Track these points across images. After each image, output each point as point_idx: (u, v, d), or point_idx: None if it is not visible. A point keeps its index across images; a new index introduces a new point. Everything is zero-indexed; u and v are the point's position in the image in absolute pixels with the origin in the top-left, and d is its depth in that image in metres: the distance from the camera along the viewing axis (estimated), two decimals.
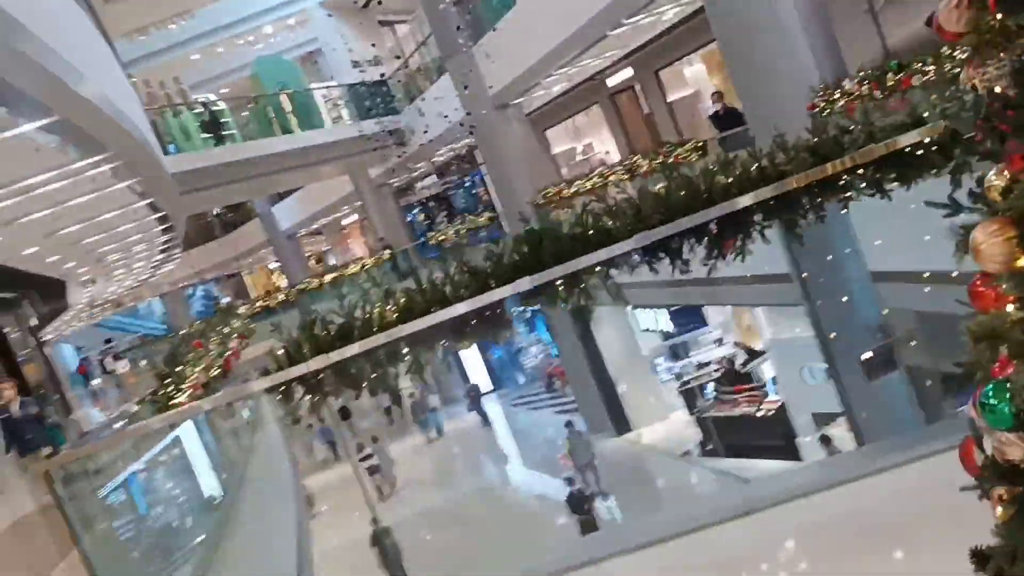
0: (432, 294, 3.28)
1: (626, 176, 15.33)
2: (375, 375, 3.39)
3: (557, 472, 22.59)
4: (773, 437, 15.48)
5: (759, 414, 15.85)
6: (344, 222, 41.15)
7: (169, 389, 5.68)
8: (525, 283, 3.38)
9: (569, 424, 17.00)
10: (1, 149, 7.55)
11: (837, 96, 8.88)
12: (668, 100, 20.95)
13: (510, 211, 20.73)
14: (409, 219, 34.23)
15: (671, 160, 12.83)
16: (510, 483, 24.39)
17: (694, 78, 20.97)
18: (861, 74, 8.54)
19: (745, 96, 11.05)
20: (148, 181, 11.31)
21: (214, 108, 20.42)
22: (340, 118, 24.24)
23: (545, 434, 25.83)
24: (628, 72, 21.31)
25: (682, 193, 3.36)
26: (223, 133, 20.05)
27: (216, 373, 7.60)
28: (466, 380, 29.67)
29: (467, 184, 32.99)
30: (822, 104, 9.27)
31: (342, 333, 3.33)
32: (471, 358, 29.94)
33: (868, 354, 9.64)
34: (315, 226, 39.67)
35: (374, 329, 3.30)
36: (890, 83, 8.05)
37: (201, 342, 10.43)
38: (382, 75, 24.91)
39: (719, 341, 20.62)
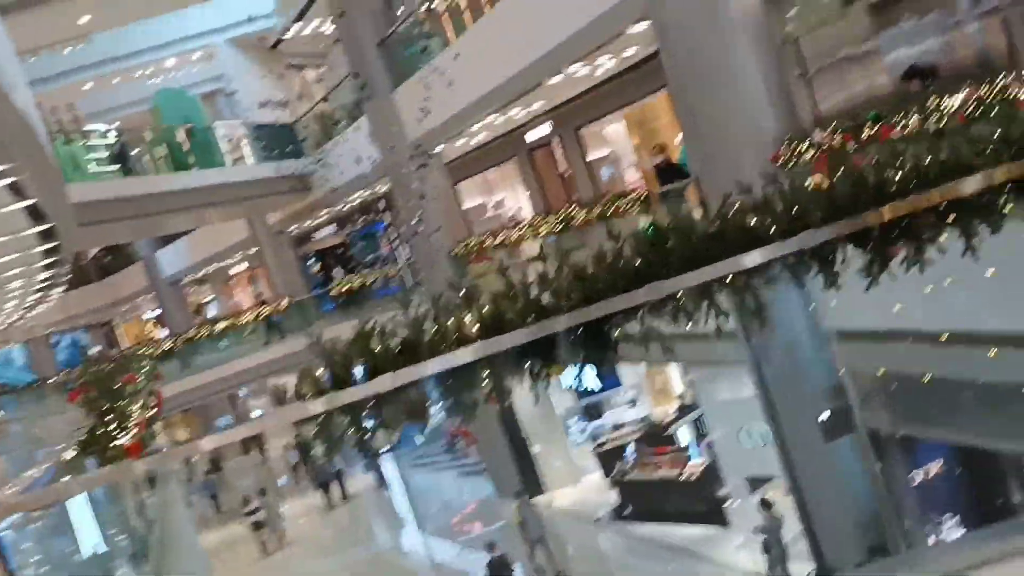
0: (526, 304, 2.59)
1: (549, 230, 14.99)
2: (449, 403, 2.65)
3: (455, 537, 21.61)
4: (697, 502, 15.07)
5: (682, 478, 15.44)
6: (232, 271, 39.32)
7: (110, 429, 4.72)
8: (641, 295, 2.73)
9: (519, 494, 16.11)
10: None
11: (805, 148, 8.66)
12: (587, 158, 20.81)
13: (424, 263, 20.03)
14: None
15: (610, 213, 12.48)
16: (404, 549, 23.27)
17: (614, 137, 20.95)
18: (834, 124, 8.35)
19: (695, 147, 10.81)
20: (49, 203, 10.11)
21: (122, 139, 19.05)
22: (242, 159, 23.10)
23: (444, 497, 24.82)
24: (547, 128, 21.12)
25: (848, 187, 2.80)
26: (129, 166, 18.67)
27: (151, 413, 6.56)
28: None
29: (368, 235, 32.08)
30: (787, 156, 9.05)
31: (407, 348, 2.59)
32: None
33: (826, 414, 9.29)
34: (202, 273, 37.74)
35: (450, 344, 2.57)
36: (867, 134, 7.87)
37: (133, 375, 9.20)
38: (292, 121, 24.02)
39: (633, 402, 20.28)
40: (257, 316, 24.62)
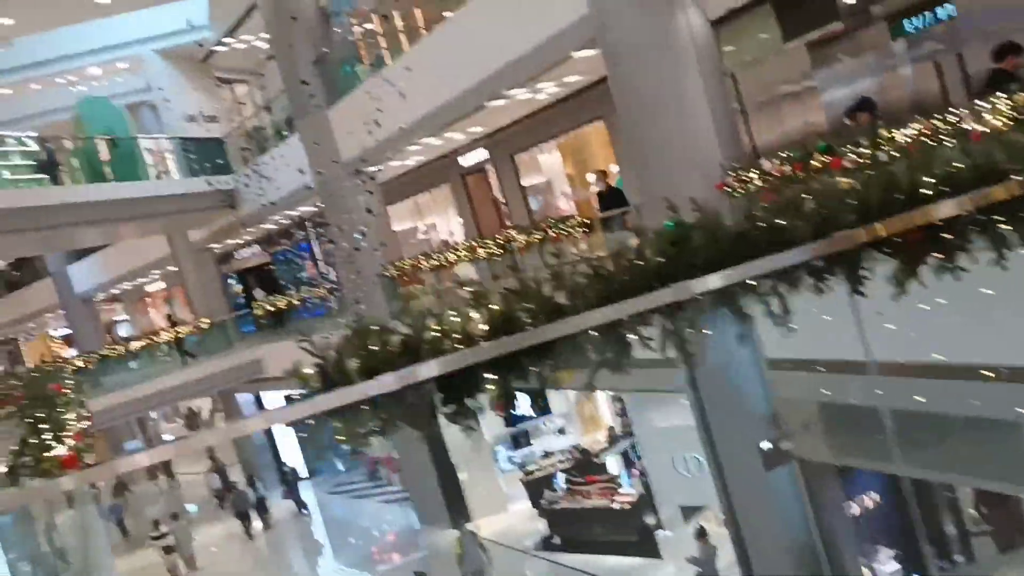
0: (540, 303, 2.42)
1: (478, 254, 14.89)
2: (453, 408, 2.47)
3: (373, 568, 21.09)
4: (628, 531, 15.00)
5: (613, 507, 15.36)
6: (148, 288, 38.08)
7: (44, 438, 4.31)
8: (667, 295, 2.59)
9: (460, 525, 15.71)
10: None
11: (753, 177, 8.75)
12: (522, 184, 20.81)
13: (353, 283, 19.66)
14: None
15: (552, 235, 12.42)
16: None
17: (549, 165, 21.02)
18: (784, 154, 8.44)
19: (640, 174, 10.84)
20: None
21: (49, 147, 18.26)
22: (167, 172, 22.41)
23: (363, 525, 24.26)
24: (483, 154, 21.07)
25: (880, 189, 2.71)
26: (55, 175, 17.89)
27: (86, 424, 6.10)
28: (279, 463, 27.58)
29: (292, 256, 31.44)
30: (734, 184, 9.13)
31: (407, 349, 2.40)
32: (285, 438, 27.91)
33: (767, 444, 9.35)
34: (116, 290, 36.42)
35: (452, 345, 2.39)
36: (816, 165, 7.98)
37: (60, 385, 8.62)
38: (220, 136, 23.42)
39: (562, 430, 20.18)
40: (176, 336, 23.73)
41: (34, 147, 19.08)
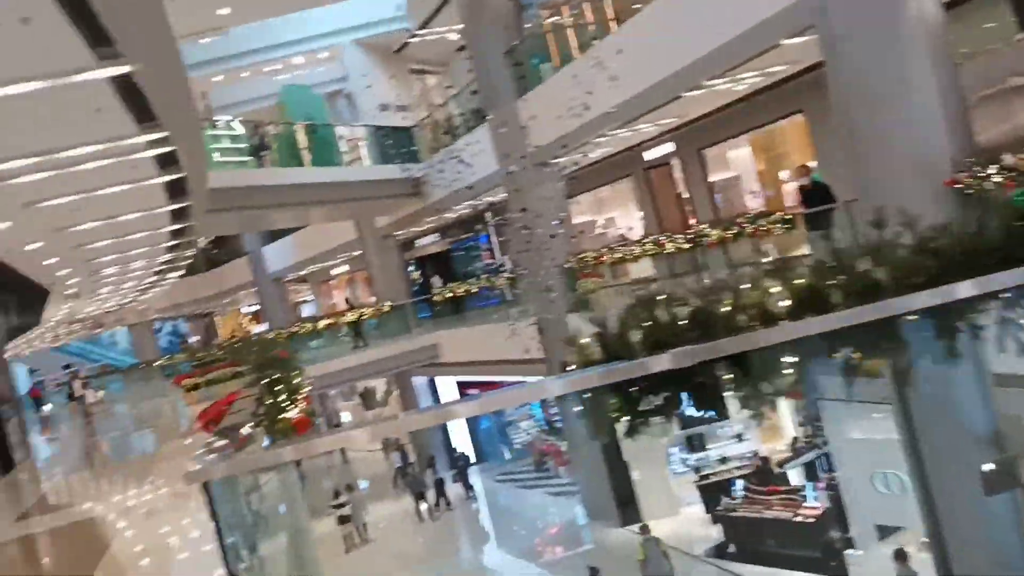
0: (853, 278, 2.13)
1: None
2: (743, 391, 2.22)
3: (536, 559, 21.02)
4: (811, 547, 14.20)
5: (796, 520, 14.59)
6: (333, 271, 39.81)
7: (280, 400, 4.45)
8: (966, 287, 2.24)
9: (645, 528, 15.48)
10: (65, 100, 6.35)
11: (992, 172, 7.96)
12: (709, 180, 20.19)
13: (532, 274, 19.67)
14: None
15: (750, 232, 11.88)
16: (485, 566, 22.79)
17: (738, 161, 20.29)
18: None
19: (855, 167, 10.12)
20: (194, 181, 10.08)
21: (261, 133, 19.38)
22: (359, 160, 23.22)
23: (528, 515, 24.28)
24: (669, 147, 20.58)
25: None
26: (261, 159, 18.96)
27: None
28: (450, 446, 28.10)
29: (470, 246, 31.98)
30: (968, 180, 8.35)
31: (697, 322, 2.16)
32: (457, 425, 28.43)
33: (989, 466, 8.47)
34: (304, 272, 38.27)
35: (747, 321, 2.13)
36: None
37: (286, 351, 9.07)
38: (410, 126, 24.03)
39: (739, 437, 19.41)
40: (358, 318, 24.59)
41: (241, 131, 20.21)
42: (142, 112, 6.77)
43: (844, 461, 13.35)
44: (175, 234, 14.73)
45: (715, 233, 12.56)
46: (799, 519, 14.57)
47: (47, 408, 36.22)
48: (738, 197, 20.40)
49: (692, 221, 20.79)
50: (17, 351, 39.96)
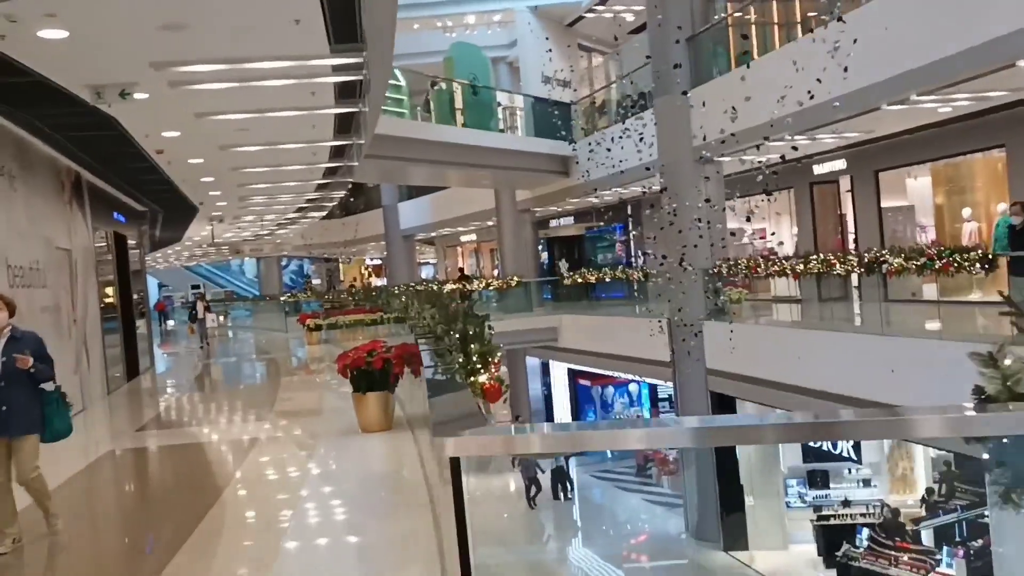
0: None
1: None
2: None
3: (620, 563, 20.28)
4: None
5: None
6: (463, 238, 39.78)
7: (473, 361, 3.96)
8: None
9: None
10: (265, 4, 5.97)
11: None
12: (881, 205, 18.85)
13: (674, 273, 18.83)
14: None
15: (939, 267, 10.77)
16: (569, 560, 22.22)
17: (915, 191, 18.90)
18: None
19: None
20: (368, 119, 9.75)
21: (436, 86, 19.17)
22: (514, 129, 22.76)
23: (620, 518, 23.57)
24: (840, 164, 19.32)
25: None
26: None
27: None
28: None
29: (605, 234, 31.28)
30: None
31: None
32: (562, 415, 27.89)
33: None
34: (433, 234, 38.36)
35: None
36: None
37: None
38: (569, 102, 23.39)
39: (867, 481, 18.15)
40: (487, 284, 24.27)
41: (402, 81, 20.01)
42: (343, 30, 6.36)
43: (1007, 535, 12.02)
44: (329, 172, 14.57)
45: (897, 261, 11.46)
46: None
47: (171, 323, 37.58)
48: (908, 228, 19.02)
49: (851, 245, 19.55)
50: (155, 263, 41.66)
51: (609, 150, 20.21)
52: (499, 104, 23.01)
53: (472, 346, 3.41)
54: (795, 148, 10.18)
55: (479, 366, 3.53)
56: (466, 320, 3.72)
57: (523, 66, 24.66)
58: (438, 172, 23.81)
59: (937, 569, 13.66)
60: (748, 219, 23.12)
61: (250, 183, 14.88)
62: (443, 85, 21.06)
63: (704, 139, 17.39)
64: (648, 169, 18.26)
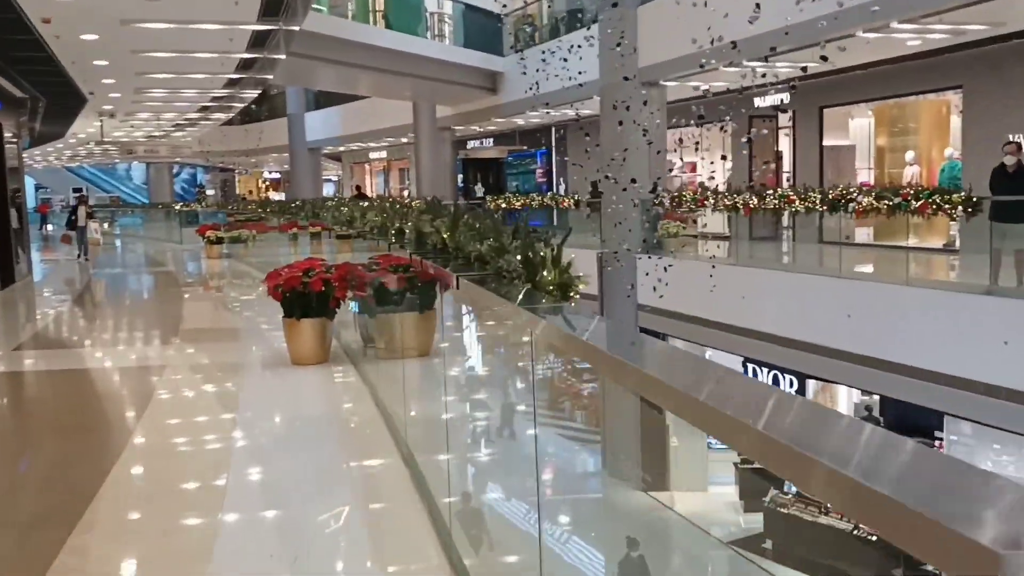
0: None
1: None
2: None
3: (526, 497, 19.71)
4: (868, 566, 12.78)
5: (855, 532, 13.12)
6: (372, 155, 37.86)
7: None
8: None
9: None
10: None
11: None
12: (823, 143, 18.26)
13: (608, 204, 17.88)
14: None
15: (913, 208, 10.09)
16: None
17: (857, 130, 18.37)
18: None
19: None
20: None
21: None
22: (442, 36, 21.15)
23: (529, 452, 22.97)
24: (785, 97, 18.55)
25: None
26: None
27: None
28: None
29: (526, 159, 30.11)
30: None
31: None
32: None
33: None
34: (342, 148, 36.34)
35: None
36: None
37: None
38: (503, 12, 21.82)
39: None
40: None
41: None
42: None
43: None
44: (244, 66, 12.84)
45: (866, 200, 10.74)
46: (861, 532, 13.11)
47: (49, 228, 34.60)
48: (848, 169, 18.53)
49: (786, 184, 19.00)
50: (33, 161, 38.24)
51: (541, 67, 18.92)
52: (426, 10, 21.32)
53: (544, 274, 2.33)
54: (804, 69, 9.11)
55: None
56: (524, 238, 2.61)
57: None
58: (352, 77, 21.88)
59: None
60: (676, 149, 22.36)
61: (151, 71, 13.00)
62: None
63: (644, 62, 16.36)
64: (582, 86, 17.09)
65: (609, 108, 17.24)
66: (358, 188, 34.30)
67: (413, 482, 4.28)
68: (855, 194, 11.20)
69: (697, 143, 21.06)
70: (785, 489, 15.27)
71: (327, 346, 7.19)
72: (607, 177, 12.60)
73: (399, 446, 4.90)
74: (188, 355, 8.02)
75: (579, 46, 15.59)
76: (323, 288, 6.89)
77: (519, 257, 2.52)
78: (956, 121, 16.75)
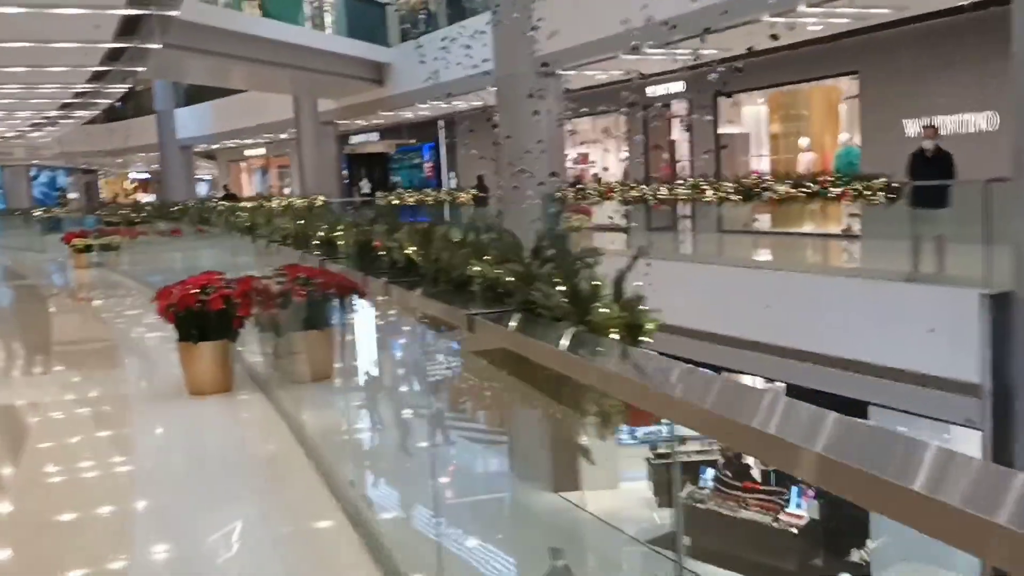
0: None
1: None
2: None
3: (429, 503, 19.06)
4: (787, 559, 12.67)
5: (774, 525, 12.99)
6: (249, 153, 36.11)
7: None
8: None
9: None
10: None
11: None
12: (717, 131, 18.18)
13: (508, 199, 17.28)
14: None
15: (836, 196, 9.89)
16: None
17: (752, 119, 18.38)
18: None
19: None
20: None
21: None
22: (323, 26, 20.09)
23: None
24: (678, 87, 18.39)
25: None
26: None
27: None
28: None
29: (412, 153, 29.20)
30: None
31: None
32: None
33: None
34: (216, 146, 34.50)
35: None
36: None
37: None
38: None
39: None
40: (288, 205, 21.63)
41: None
42: None
43: None
44: (111, 57, 11.59)
45: (783, 188, 10.50)
46: (779, 526, 12.99)
47: None
48: (742, 157, 18.53)
49: (684, 173, 18.86)
50: None
51: (440, 55, 18.17)
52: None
53: (598, 308, 1.68)
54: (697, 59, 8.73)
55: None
56: (564, 260, 1.92)
57: None
58: (226, 69, 20.48)
59: (787, 510, 13.31)
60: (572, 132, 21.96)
61: (2, 64, 11.58)
62: None
63: (542, 51, 15.85)
64: (488, 73, 16.43)
65: (509, 98, 16.68)
66: (226, 188, 32.64)
67: (367, 549, 3.54)
68: (771, 182, 10.95)
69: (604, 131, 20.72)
70: (700, 484, 15.10)
71: (230, 372, 6.31)
72: (522, 171, 12.08)
73: (336, 497, 4.15)
74: (64, 388, 6.92)
75: (482, 31, 14.93)
76: (224, 306, 6.02)
77: (561, 288, 1.86)
78: (846, 107, 16.95)
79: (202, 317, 6.01)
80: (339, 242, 4.24)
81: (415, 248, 3.03)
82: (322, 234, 4.56)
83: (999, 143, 12.51)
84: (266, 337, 6.57)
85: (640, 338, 1.83)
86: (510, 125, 16.81)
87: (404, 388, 5.97)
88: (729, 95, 11.08)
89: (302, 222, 5.27)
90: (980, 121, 12.59)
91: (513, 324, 2.00)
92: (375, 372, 6.06)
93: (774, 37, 9.11)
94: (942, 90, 13.21)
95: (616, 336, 1.81)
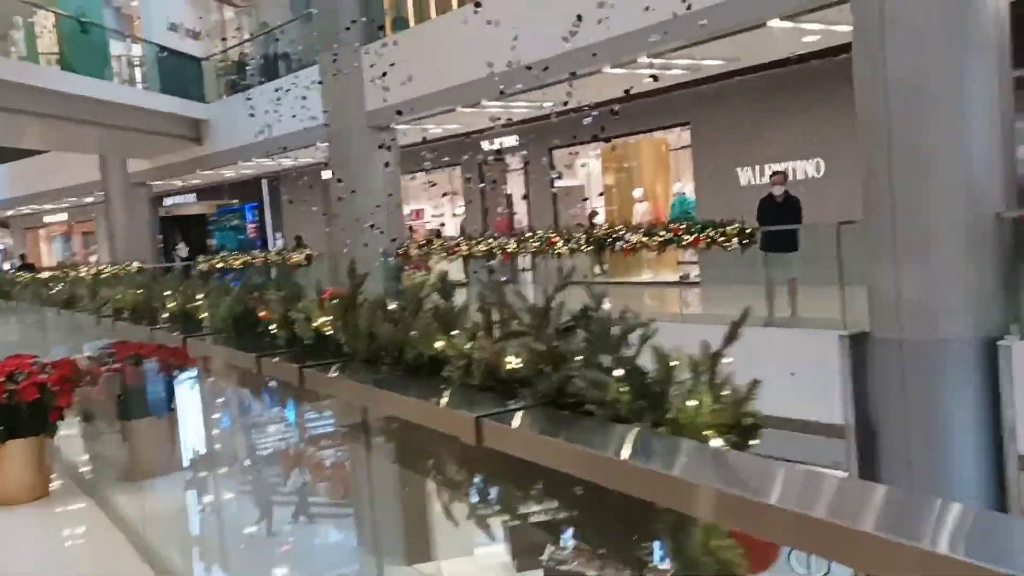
0: None
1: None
2: None
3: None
4: None
5: None
6: (48, 219, 33.27)
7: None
8: None
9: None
10: None
11: None
12: (554, 185, 18.19)
13: (338, 257, 16.43)
14: None
15: (690, 242, 9.83)
16: None
17: (585, 171, 18.54)
18: None
19: (875, 182, 8.32)
20: None
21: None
22: (133, 81, 18.72)
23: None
24: (513, 140, 18.34)
25: None
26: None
27: None
28: None
29: (235, 213, 27.73)
30: None
31: None
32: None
33: None
34: (10, 213, 31.60)
35: None
36: None
37: None
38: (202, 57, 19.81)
39: None
40: (98, 274, 19.79)
41: None
42: None
43: None
44: None
45: (636, 238, 10.38)
46: None
47: None
48: (576, 209, 18.61)
49: (524, 227, 18.71)
50: None
51: (271, 108, 17.24)
52: (120, 56, 18.82)
53: (688, 404, 1.13)
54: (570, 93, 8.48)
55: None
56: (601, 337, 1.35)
57: (144, 11, 20.47)
58: (18, 126, 18.48)
59: (656, 567, 13.05)
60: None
61: None
62: (36, 16, 16.50)
63: (371, 106, 15.35)
64: (327, 126, 15.61)
65: (344, 152, 16.02)
66: (23, 258, 30.10)
67: None
68: (623, 232, 10.81)
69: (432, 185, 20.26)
70: (562, 544, 14.65)
71: (46, 474, 5.26)
72: (371, 226, 11.38)
73: None
74: None
75: (319, 81, 14.14)
76: (39, 395, 5.01)
77: (617, 373, 1.29)
78: (675, 157, 17.39)
79: (11, 410, 4.97)
80: (201, 314, 3.47)
81: (328, 319, 2.37)
82: (173, 305, 3.76)
83: (826, 189, 13.09)
84: (93, 429, 5.57)
85: (751, 441, 1.29)
86: (351, 180, 16.09)
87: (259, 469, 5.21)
88: (608, 140, 10.70)
89: (140, 292, 4.40)
90: (809, 168, 13.10)
91: (565, 434, 1.41)
92: (225, 455, 5.27)
93: (654, 78, 8.99)
94: (772, 138, 13.69)
95: (720, 441, 1.26)
